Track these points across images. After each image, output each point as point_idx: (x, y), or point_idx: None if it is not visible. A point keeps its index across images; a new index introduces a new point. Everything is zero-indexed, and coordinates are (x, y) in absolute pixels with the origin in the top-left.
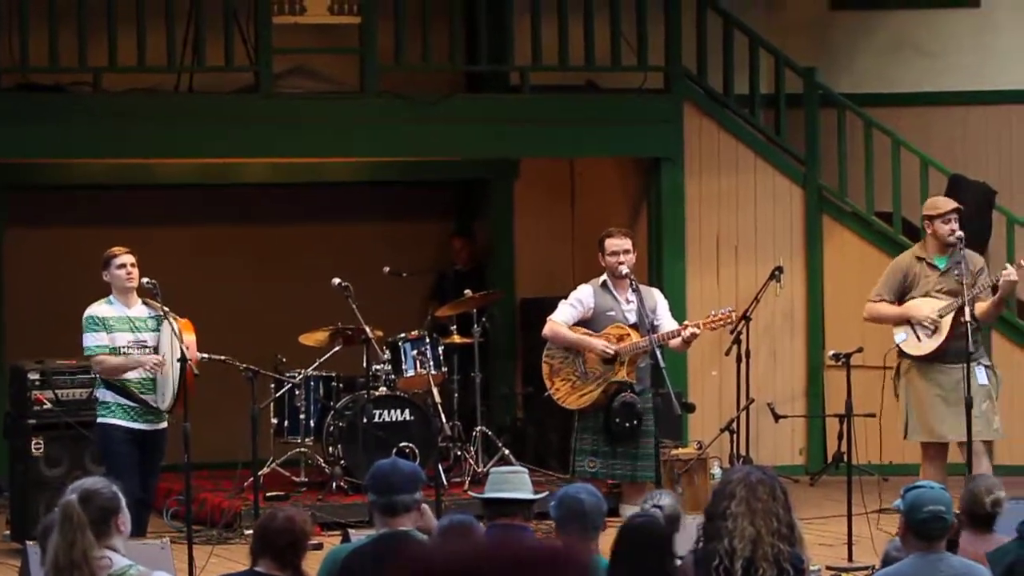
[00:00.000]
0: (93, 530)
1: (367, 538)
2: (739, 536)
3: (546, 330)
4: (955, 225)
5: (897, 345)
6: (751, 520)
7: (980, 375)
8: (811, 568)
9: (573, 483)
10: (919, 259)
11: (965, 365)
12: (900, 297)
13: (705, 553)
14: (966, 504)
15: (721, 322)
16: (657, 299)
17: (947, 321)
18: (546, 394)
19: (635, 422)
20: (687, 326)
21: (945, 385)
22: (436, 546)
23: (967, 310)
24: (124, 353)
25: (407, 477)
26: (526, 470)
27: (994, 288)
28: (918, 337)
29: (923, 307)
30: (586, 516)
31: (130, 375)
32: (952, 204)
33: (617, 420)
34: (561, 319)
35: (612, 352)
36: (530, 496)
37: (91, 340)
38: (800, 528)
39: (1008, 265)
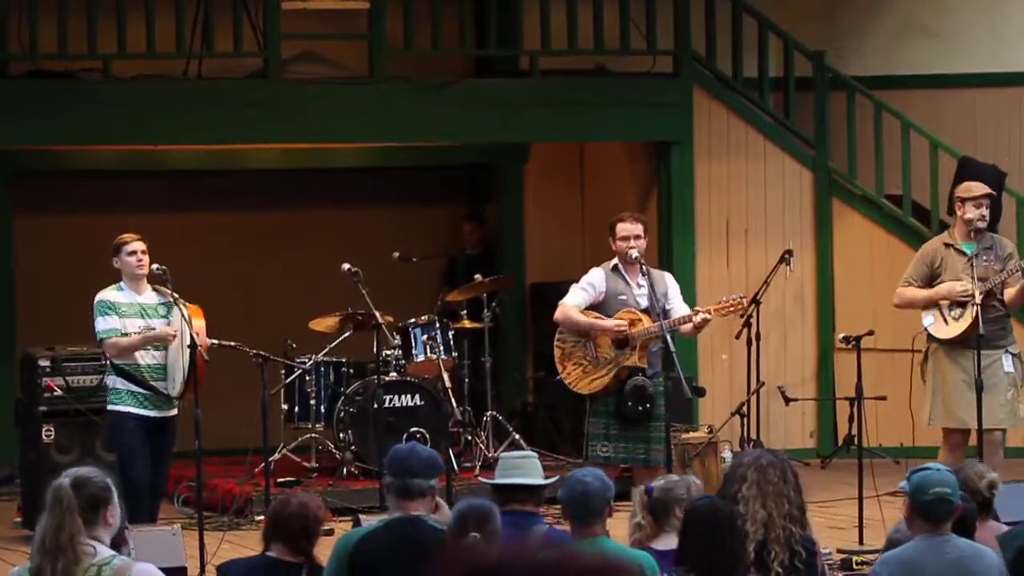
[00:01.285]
0: (81, 517)
1: (380, 522)
2: (751, 519)
3: (558, 314)
4: (985, 211)
5: (925, 328)
6: (762, 503)
7: (1006, 363)
8: (821, 551)
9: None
10: (947, 245)
11: (976, 350)
12: (929, 283)
13: None
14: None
15: (732, 308)
16: (668, 283)
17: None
18: (557, 378)
19: (647, 405)
20: (698, 312)
21: (971, 371)
22: (493, 548)
23: (977, 295)
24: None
25: (424, 462)
26: (536, 455)
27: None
28: (945, 320)
29: (952, 284)
30: (588, 499)
31: (141, 360)
32: (985, 189)
33: (629, 404)
34: (573, 303)
35: (624, 330)
36: (540, 481)
37: (103, 324)
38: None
39: None
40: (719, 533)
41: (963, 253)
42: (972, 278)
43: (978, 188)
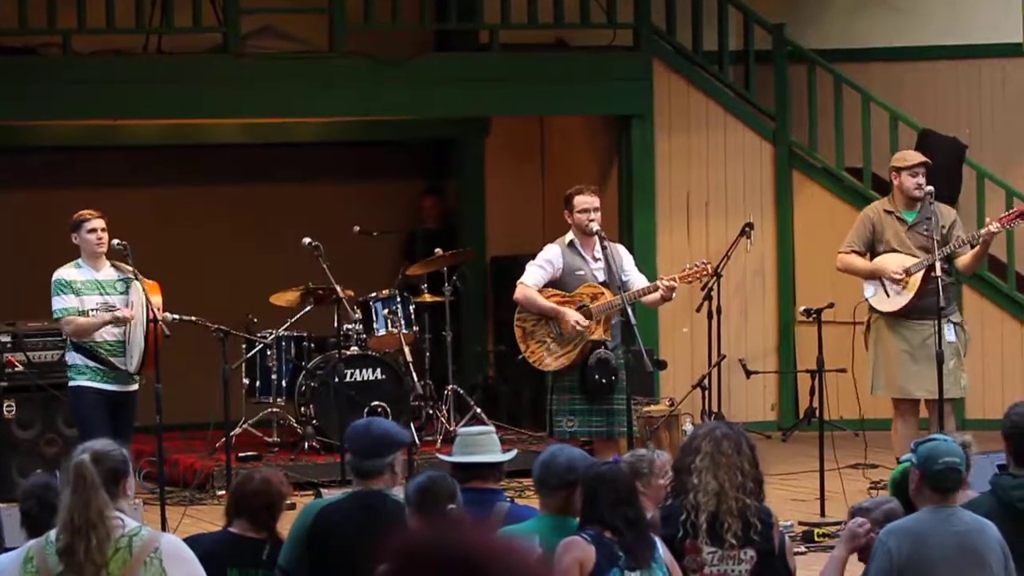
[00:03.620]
0: (104, 491)
1: (344, 494)
2: (703, 491)
3: (517, 294)
4: (921, 179)
5: (866, 299)
6: (715, 474)
7: (949, 332)
8: (782, 524)
9: (553, 444)
10: (887, 212)
11: (937, 321)
12: (871, 248)
13: (672, 508)
14: None
15: (697, 275)
16: (623, 256)
17: (917, 278)
18: (520, 357)
19: (611, 377)
20: (663, 279)
21: (913, 342)
22: (439, 532)
23: (938, 265)
24: (92, 315)
25: (377, 440)
26: (493, 429)
27: (971, 243)
28: (887, 293)
29: (892, 262)
30: (545, 474)
31: (100, 337)
32: (920, 157)
33: (595, 376)
34: (531, 282)
35: (584, 328)
36: (500, 457)
37: (59, 303)
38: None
39: (989, 219)
40: (630, 493)
41: (904, 221)
42: (934, 247)
43: (912, 156)
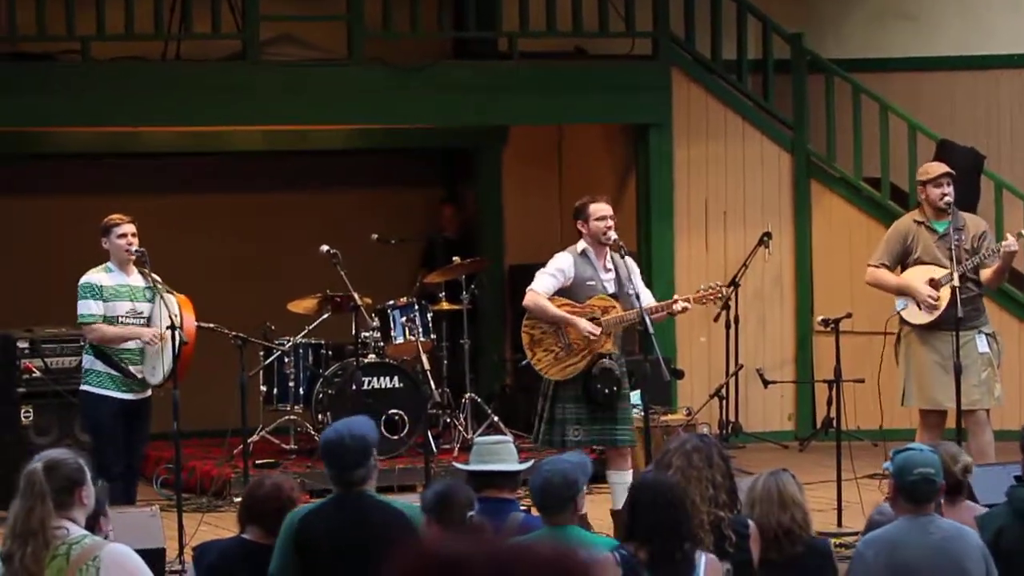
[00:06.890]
0: (55, 500)
1: (326, 499)
2: None
3: (527, 301)
4: (947, 189)
5: (898, 312)
6: (686, 488)
7: (981, 343)
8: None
9: (552, 456)
10: (918, 223)
11: (955, 332)
12: (901, 261)
13: None
14: None
15: (711, 297)
16: (632, 267)
17: (947, 289)
18: (523, 363)
19: (614, 387)
20: (677, 300)
21: (945, 352)
22: (454, 540)
23: (956, 278)
24: (121, 323)
25: (358, 448)
26: (511, 439)
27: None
28: (918, 306)
29: (921, 278)
30: (546, 493)
31: (125, 345)
32: (943, 168)
33: (598, 386)
34: (542, 289)
35: (596, 336)
36: (516, 467)
37: (85, 308)
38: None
39: (1008, 235)
40: (668, 503)
41: (934, 231)
42: (952, 260)
43: (935, 168)
